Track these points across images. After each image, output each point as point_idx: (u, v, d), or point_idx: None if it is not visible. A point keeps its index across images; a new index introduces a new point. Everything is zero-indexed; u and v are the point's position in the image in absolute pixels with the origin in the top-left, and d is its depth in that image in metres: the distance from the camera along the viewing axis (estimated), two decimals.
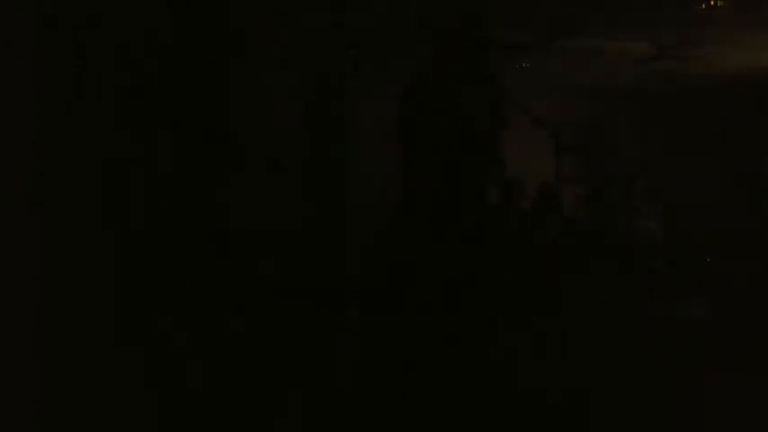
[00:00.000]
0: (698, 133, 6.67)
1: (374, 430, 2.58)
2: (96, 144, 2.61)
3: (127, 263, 2.65)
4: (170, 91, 2.79)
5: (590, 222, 4.86)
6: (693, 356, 3.13)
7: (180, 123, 2.79)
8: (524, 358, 2.91)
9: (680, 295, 3.95)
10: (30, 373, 2.48)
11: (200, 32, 2.84)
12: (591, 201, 5.16)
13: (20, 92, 2.49)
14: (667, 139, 6.73)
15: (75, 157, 2.61)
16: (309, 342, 2.84)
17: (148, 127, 2.71)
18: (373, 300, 3.03)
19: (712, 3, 3.92)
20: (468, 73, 2.79)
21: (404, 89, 2.84)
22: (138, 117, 2.71)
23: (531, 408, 2.64)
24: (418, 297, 2.76)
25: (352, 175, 3.99)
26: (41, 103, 2.53)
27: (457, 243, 2.73)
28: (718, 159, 6.34)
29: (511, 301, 3.09)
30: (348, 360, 2.78)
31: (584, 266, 3.81)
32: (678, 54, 5.07)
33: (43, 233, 2.49)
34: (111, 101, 2.65)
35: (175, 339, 2.65)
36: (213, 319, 2.72)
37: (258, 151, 3.07)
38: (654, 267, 4.53)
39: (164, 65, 2.76)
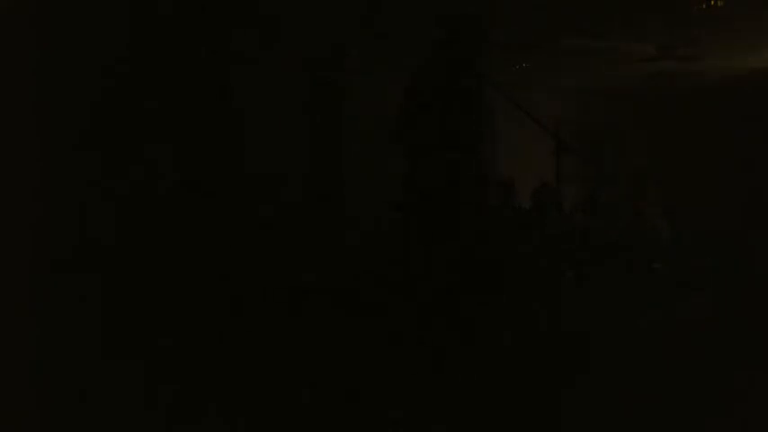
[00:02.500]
0: (698, 133, 6.66)
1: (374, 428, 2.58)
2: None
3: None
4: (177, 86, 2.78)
5: (590, 222, 4.85)
6: (696, 356, 3.13)
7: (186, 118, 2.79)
8: (523, 359, 2.90)
9: (681, 295, 3.94)
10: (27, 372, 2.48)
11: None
12: (591, 201, 5.15)
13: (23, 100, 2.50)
14: (667, 139, 6.72)
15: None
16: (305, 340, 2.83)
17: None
18: (368, 299, 3.02)
19: (712, 3, 3.92)
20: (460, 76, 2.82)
21: (404, 89, 2.85)
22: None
23: (530, 407, 2.64)
24: (415, 297, 2.77)
25: (351, 174, 3.97)
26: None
27: (449, 244, 2.74)
28: (718, 160, 6.33)
29: (510, 301, 3.09)
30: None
31: (585, 266, 3.81)
32: (678, 54, 5.07)
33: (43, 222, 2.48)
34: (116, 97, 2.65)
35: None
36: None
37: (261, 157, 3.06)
38: (655, 267, 4.53)
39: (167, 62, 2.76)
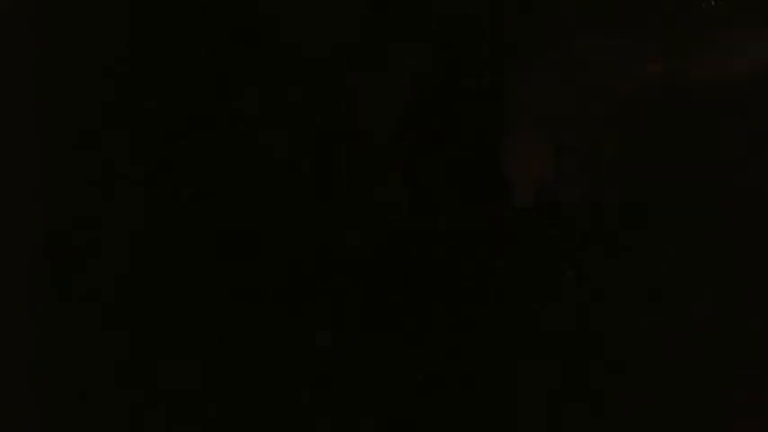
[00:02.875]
0: (699, 133, 6.64)
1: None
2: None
3: None
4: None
5: (590, 223, 4.84)
6: (696, 357, 3.12)
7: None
8: (523, 360, 2.90)
9: (681, 294, 3.93)
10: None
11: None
12: (591, 201, 5.13)
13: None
14: (668, 139, 6.70)
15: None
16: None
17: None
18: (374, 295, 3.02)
19: (713, 2, 3.91)
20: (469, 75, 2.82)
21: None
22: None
23: (530, 408, 2.64)
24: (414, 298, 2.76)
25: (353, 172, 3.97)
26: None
27: (449, 244, 2.74)
28: (718, 159, 6.31)
29: (510, 300, 3.08)
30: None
31: (585, 266, 3.80)
32: (679, 54, 5.06)
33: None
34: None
35: None
36: None
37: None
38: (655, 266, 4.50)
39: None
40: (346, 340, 2.88)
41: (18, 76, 2.52)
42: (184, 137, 2.81)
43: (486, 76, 2.90)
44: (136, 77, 2.69)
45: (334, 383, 2.72)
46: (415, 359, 2.72)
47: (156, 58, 2.75)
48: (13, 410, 2.42)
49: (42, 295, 2.53)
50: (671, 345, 3.24)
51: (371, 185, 3.38)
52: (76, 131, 2.60)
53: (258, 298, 2.89)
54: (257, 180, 2.90)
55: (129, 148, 2.68)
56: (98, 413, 2.49)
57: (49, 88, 2.57)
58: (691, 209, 5.02)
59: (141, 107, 2.69)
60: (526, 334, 3.07)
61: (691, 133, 5.93)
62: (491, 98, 2.99)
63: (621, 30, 4.55)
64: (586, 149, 4.39)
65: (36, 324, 2.51)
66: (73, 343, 2.54)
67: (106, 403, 2.50)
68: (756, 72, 5.43)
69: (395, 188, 2.90)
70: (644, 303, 3.61)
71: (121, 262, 2.64)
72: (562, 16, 4.20)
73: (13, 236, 2.51)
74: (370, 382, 2.73)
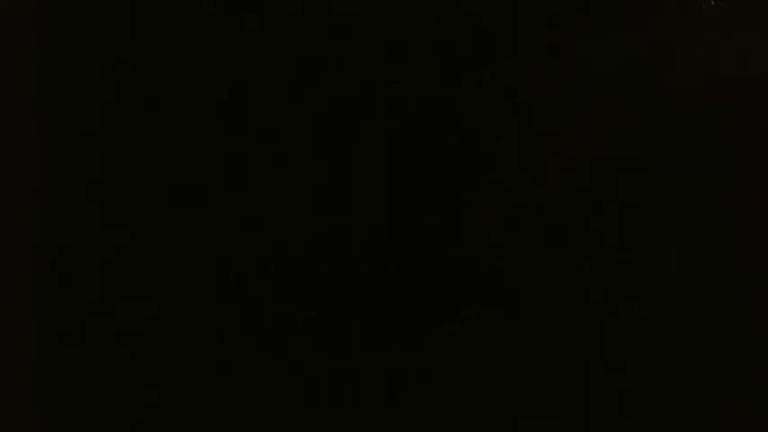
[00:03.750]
0: (699, 133, 6.64)
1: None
2: None
3: None
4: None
5: (590, 222, 4.83)
6: (696, 356, 3.12)
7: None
8: (523, 359, 2.90)
9: (680, 294, 3.93)
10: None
11: None
12: (590, 201, 5.13)
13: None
14: (668, 139, 6.69)
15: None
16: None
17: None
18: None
19: (713, 2, 3.92)
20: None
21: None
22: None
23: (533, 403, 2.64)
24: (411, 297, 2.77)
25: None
26: None
27: (448, 244, 2.75)
28: (718, 159, 6.30)
29: (510, 300, 3.08)
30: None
31: (584, 266, 3.79)
32: (679, 54, 5.06)
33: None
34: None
35: None
36: None
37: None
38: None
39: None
40: (348, 340, 2.88)
41: (18, 76, 2.52)
42: (184, 137, 2.81)
43: (486, 76, 2.90)
44: (136, 77, 2.69)
45: (338, 384, 2.72)
46: (414, 359, 2.72)
47: (156, 58, 2.75)
48: (13, 410, 2.43)
49: (42, 295, 2.53)
50: (670, 344, 3.24)
51: (372, 185, 3.39)
52: (76, 131, 2.60)
53: (258, 299, 2.89)
54: (256, 180, 2.90)
55: (128, 148, 2.68)
56: (98, 413, 2.49)
57: (49, 88, 2.57)
58: (691, 209, 5.01)
59: (141, 107, 2.69)
60: (526, 333, 3.07)
61: (691, 133, 5.91)
62: (491, 98, 2.99)
63: (621, 30, 4.55)
64: (586, 149, 4.39)
65: (36, 324, 2.51)
66: (72, 343, 2.54)
67: (106, 403, 2.51)
68: (756, 72, 5.43)
69: (394, 188, 2.90)
70: (644, 303, 3.61)
71: (122, 262, 2.64)
72: (560, 16, 4.20)
73: (14, 236, 2.51)
74: (372, 381, 2.73)
